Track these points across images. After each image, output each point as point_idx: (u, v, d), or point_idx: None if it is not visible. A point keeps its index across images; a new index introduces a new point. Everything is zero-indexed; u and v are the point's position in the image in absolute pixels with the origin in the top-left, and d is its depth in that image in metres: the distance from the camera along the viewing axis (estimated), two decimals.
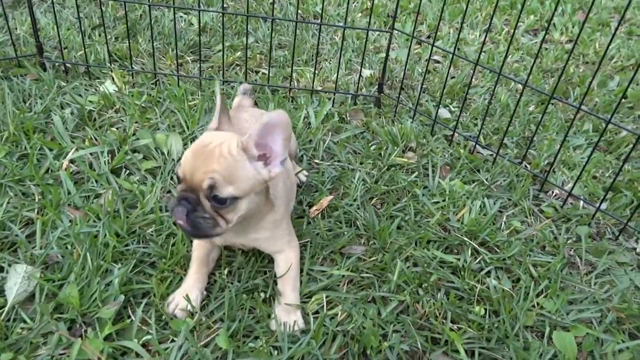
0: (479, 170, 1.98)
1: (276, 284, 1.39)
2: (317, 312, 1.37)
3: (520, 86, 2.61)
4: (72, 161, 1.75)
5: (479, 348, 1.31)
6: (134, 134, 1.90)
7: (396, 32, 2.52)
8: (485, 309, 1.42)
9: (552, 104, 2.51)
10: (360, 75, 2.34)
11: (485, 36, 2.03)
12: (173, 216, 1.17)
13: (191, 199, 1.15)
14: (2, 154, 1.71)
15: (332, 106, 2.28)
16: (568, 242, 1.70)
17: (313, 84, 2.34)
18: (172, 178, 1.74)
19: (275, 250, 1.41)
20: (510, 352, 1.30)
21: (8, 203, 1.54)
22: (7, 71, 2.18)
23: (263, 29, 2.86)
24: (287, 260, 1.39)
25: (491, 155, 2.06)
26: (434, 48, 2.11)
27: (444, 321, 1.38)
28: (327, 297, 1.40)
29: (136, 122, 1.97)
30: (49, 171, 1.70)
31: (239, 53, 2.59)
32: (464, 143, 2.14)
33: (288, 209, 1.46)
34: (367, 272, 1.49)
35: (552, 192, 1.94)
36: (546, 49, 3.12)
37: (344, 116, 2.23)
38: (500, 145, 2.01)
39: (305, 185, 1.80)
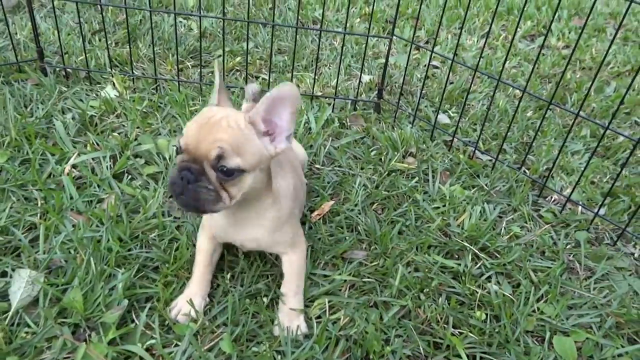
0: (478, 176, 2.00)
1: (279, 288, 1.40)
2: (319, 316, 1.38)
3: (518, 92, 2.63)
4: (74, 166, 1.75)
5: (480, 353, 1.32)
6: (135, 139, 1.91)
7: (395, 37, 2.53)
8: (486, 314, 1.43)
9: (550, 109, 2.53)
10: (359, 81, 2.36)
11: (485, 42, 2.05)
12: (171, 190, 1.12)
13: (194, 170, 1.10)
14: (4, 159, 1.71)
15: (332, 111, 2.29)
16: (567, 247, 1.71)
17: (313, 89, 2.35)
18: None
19: (277, 252, 1.41)
20: (511, 356, 1.32)
21: (11, 208, 1.54)
22: (8, 76, 2.19)
23: (263, 35, 2.87)
24: (290, 263, 1.39)
25: (490, 160, 2.08)
26: (433, 54, 2.12)
27: (446, 326, 1.39)
28: (329, 301, 1.41)
29: (137, 127, 1.98)
30: (51, 176, 1.71)
31: (239, 58, 2.61)
32: (463, 148, 2.16)
33: (294, 211, 1.42)
34: (368, 277, 1.50)
35: (551, 197, 1.95)
36: (543, 54, 3.15)
37: (344, 121, 2.25)
38: (499, 150, 2.03)
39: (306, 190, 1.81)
